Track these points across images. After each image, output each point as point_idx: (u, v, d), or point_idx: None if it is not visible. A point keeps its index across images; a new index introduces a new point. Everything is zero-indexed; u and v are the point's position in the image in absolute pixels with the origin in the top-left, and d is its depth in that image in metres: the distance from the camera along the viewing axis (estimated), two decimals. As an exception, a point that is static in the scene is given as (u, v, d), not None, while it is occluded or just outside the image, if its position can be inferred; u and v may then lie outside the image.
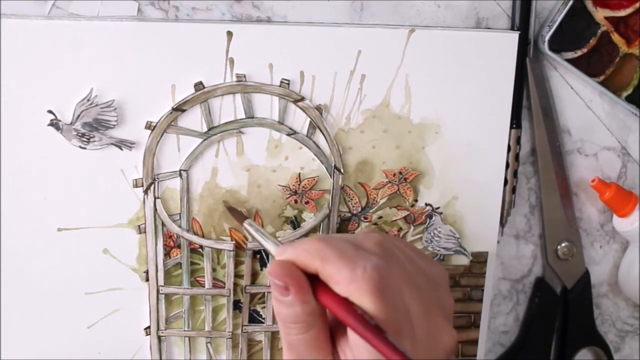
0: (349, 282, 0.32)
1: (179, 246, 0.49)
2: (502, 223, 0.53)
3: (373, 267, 0.32)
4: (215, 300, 0.51)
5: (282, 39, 0.46)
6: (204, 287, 0.50)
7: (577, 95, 0.53)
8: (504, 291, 0.56)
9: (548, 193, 0.53)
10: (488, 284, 0.54)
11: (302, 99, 0.48)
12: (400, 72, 0.48)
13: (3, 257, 0.48)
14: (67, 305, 0.49)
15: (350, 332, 0.33)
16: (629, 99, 0.52)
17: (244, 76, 0.47)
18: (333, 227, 0.50)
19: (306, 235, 0.50)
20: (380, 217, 0.51)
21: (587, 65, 0.51)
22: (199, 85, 0.46)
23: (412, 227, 0.52)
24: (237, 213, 0.47)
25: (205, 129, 0.47)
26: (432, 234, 0.52)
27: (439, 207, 0.51)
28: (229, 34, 0.46)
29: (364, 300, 0.32)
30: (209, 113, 0.47)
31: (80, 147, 0.46)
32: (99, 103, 0.45)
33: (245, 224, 0.44)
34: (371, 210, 0.51)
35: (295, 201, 0.50)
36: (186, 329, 0.51)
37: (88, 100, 0.45)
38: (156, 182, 0.48)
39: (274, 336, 0.52)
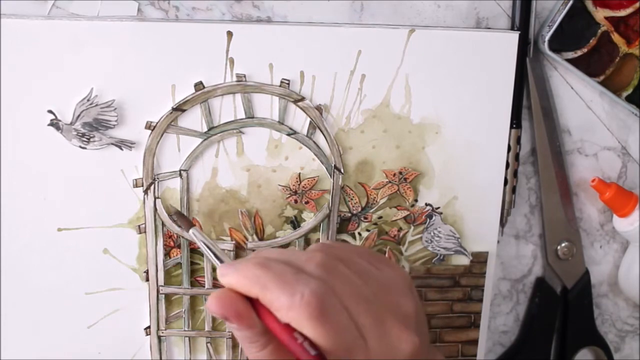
0: (289, 309, 0.32)
1: (179, 246, 0.49)
2: (502, 223, 0.53)
3: (311, 292, 0.32)
4: (215, 300, 0.51)
5: (282, 39, 0.46)
6: (204, 287, 0.50)
7: (577, 95, 0.53)
8: (504, 291, 0.56)
9: (548, 193, 0.53)
10: (488, 284, 0.54)
11: (302, 99, 0.48)
12: (400, 72, 0.48)
13: (3, 257, 0.48)
14: (67, 305, 0.49)
15: None
16: (629, 99, 0.52)
17: (244, 76, 0.47)
18: (333, 227, 0.50)
19: (306, 235, 0.50)
20: (380, 217, 0.51)
21: (587, 65, 0.51)
22: (199, 85, 0.46)
23: (412, 227, 0.52)
24: (184, 219, 0.46)
25: (205, 129, 0.47)
26: (432, 234, 0.52)
27: (439, 207, 0.51)
28: (229, 33, 0.46)
29: (305, 326, 0.32)
30: (209, 113, 0.47)
31: (80, 147, 0.46)
32: (99, 103, 0.45)
33: (191, 232, 0.41)
34: (371, 210, 0.51)
35: (295, 201, 0.50)
36: (186, 329, 0.51)
37: (88, 100, 0.45)
38: (156, 182, 0.48)
39: (274, 336, 0.52)
